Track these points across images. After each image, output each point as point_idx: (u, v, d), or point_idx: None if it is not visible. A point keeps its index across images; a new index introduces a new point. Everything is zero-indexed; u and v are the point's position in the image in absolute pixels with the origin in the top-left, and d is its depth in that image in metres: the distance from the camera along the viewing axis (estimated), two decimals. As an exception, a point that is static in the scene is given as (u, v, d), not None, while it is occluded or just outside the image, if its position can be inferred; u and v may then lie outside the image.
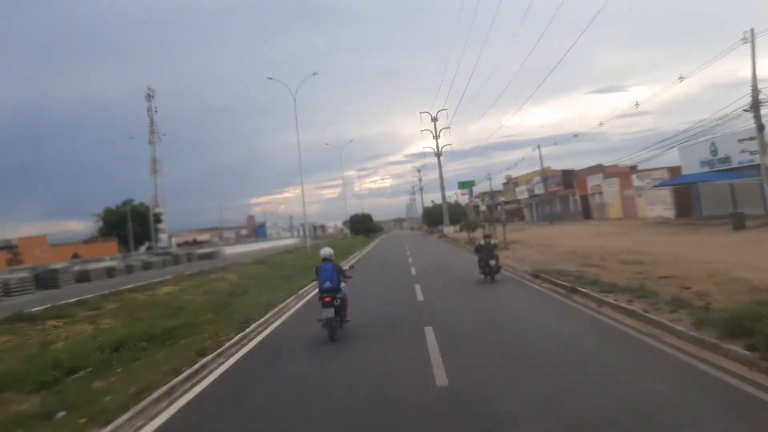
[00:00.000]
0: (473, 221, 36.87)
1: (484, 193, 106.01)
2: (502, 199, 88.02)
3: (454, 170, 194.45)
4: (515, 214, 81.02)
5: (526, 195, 68.91)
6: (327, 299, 8.05)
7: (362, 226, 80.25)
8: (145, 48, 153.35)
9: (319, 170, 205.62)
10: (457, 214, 62.05)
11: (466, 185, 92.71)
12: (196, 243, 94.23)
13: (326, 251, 8.84)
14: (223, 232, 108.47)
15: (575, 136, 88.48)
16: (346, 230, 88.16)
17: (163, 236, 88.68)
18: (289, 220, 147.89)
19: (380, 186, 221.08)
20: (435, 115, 58.64)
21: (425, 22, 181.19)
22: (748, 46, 21.18)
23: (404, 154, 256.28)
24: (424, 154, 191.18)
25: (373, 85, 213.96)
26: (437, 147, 59.07)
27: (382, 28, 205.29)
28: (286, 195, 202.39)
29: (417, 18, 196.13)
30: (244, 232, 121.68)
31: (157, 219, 74.12)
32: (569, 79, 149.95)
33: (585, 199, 52.62)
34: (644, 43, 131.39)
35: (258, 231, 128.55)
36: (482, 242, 13.94)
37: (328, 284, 8.22)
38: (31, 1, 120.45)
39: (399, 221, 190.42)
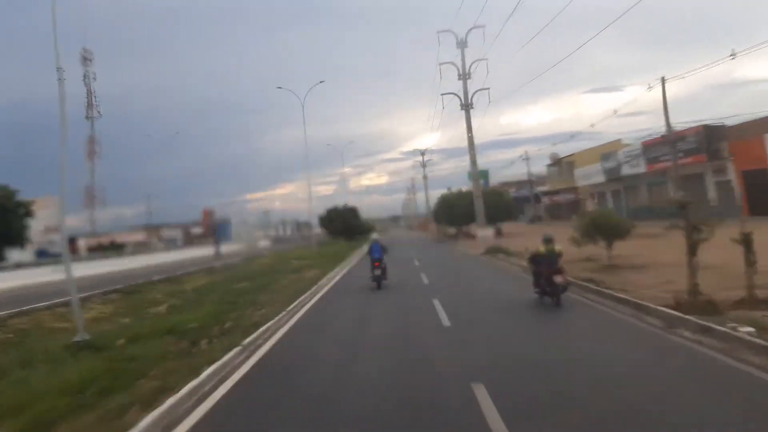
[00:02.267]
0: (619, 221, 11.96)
1: (507, 183, 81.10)
2: (542, 188, 62.87)
3: (448, 168, 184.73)
4: (569, 208, 55.71)
5: (601, 178, 43.62)
6: (377, 264, 14.38)
7: (344, 224, 55.02)
8: (144, 44, 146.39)
9: (314, 167, 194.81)
10: (497, 207, 36.56)
11: (480, 175, 68.02)
12: (114, 246, 68.56)
13: (375, 235, 19.98)
14: (163, 232, 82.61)
15: (572, 136, 70.05)
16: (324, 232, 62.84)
17: (52, 238, 62.82)
18: (263, 216, 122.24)
19: (376, 183, 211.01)
20: (463, 37, 33.36)
21: (423, 20, 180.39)
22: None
23: (400, 151, 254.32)
24: (419, 152, 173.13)
25: (370, 82, 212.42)
26: (465, 92, 33.86)
27: (379, 26, 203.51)
28: (280, 191, 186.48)
29: (415, 16, 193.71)
30: (197, 230, 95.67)
31: (27, 212, 48.03)
32: (565, 79, 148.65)
33: (757, 178, 27.48)
34: (640, 43, 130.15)
35: (220, 229, 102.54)
36: (542, 249, 10.02)
37: (377, 255, 14.52)
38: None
39: (395, 219, 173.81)
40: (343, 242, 52.17)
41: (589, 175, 45.82)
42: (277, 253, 37.87)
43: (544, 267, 9.73)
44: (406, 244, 40.10)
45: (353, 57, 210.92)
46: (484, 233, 34.74)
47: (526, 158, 58.96)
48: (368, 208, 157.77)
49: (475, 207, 35.05)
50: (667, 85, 28.18)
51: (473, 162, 35.25)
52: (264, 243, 63.48)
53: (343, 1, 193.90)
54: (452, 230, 50.55)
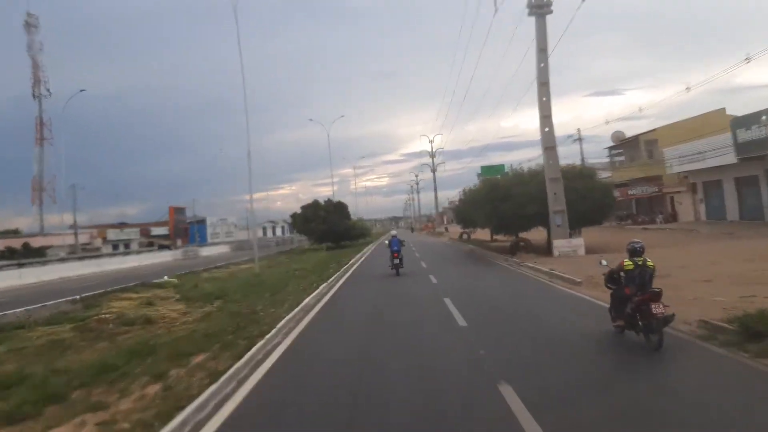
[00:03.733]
0: None
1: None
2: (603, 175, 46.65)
3: (449, 170, 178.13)
4: (646, 205, 39.60)
5: (728, 158, 27.42)
6: (396, 255, 16.80)
7: (327, 226, 38.99)
8: (141, 44, 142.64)
9: (315, 167, 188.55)
10: (586, 198, 20.24)
11: (494, 171, 52.70)
12: (29, 251, 52.38)
13: (393, 232, 20.06)
14: (107, 233, 65.97)
15: (569, 137, 58.22)
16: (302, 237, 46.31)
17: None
18: (247, 217, 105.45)
19: (376, 185, 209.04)
20: None
21: (424, 22, 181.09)
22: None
23: (401, 152, 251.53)
24: (421, 154, 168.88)
25: (371, 84, 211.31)
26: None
27: (380, 28, 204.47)
28: (282, 191, 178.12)
29: (416, 18, 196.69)
30: (160, 231, 79.39)
31: None
32: (566, 82, 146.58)
33: None
34: (640, 48, 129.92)
35: (191, 230, 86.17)
36: (629, 264, 6.68)
37: (395, 247, 16.83)
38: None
39: (395, 220, 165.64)
40: (323, 252, 36.24)
41: (697, 156, 29.76)
42: (187, 279, 21.76)
43: (634, 289, 6.54)
44: (418, 260, 23.67)
45: (352, 57, 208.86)
46: (567, 246, 18.83)
47: (578, 138, 43.02)
48: (370, 211, 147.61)
49: (549, 199, 19.11)
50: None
51: (544, 117, 19.23)
52: (213, 251, 46.38)
53: (342, 3, 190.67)
54: (468, 231, 34.61)
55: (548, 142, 19.52)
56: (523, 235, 22.88)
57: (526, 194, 19.73)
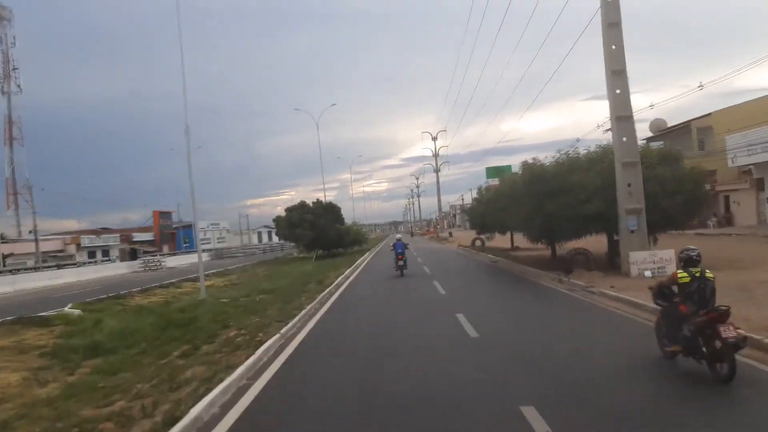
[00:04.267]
0: None
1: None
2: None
3: (448, 174, 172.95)
4: (704, 203, 33.39)
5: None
6: (400, 257, 18.24)
7: (317, 233, 33.00)
8: (137, 49, 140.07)
9: (315, 173, 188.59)
10: (675, 191, 14.35)
11: (500, 172, 47.18)
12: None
13: (398, 235, 24.32)
14: (82, 239, 59.73)
15: (577, 140, 54.84)
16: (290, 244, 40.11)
17: None
18: (240, 222, 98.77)
19: (375, 189, 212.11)
20: None
21: (425, 28, 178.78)
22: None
23: (401, 157, 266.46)
24: (421, 158, 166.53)
25: (370, 89, 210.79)
26: None
27: (381, 33, 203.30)
28: (283, 197, 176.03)
29: (416, 24, 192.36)
30: (145, 237, 73.28)
31: None
32: (565, 87, 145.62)
33: None
34: (638, 52, 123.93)
35: (179, 236, 79.81)
36: (684, 276, 5.34)
37: (400, 250, 18.31)
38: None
39: (395, 224, 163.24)
40: (311, 263, 30.14)
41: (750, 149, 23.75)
42: (99, 309, 15.87)
43: (693, 307, 5.18)
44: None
45: (352, 62, 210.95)
46: (650, 261, 12.82)
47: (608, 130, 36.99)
48: (368, 214, 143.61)
49: (619, 193, 13.23)
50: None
51: (614, 72, 13.34)
52: (184, 261, 39.94)
53: (341, 6, 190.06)
54: (482, 238, 28.74)
55: (621, 109, 13.51)
56: (573, 243, 16.80)
57: (585, 187, 13.71)
